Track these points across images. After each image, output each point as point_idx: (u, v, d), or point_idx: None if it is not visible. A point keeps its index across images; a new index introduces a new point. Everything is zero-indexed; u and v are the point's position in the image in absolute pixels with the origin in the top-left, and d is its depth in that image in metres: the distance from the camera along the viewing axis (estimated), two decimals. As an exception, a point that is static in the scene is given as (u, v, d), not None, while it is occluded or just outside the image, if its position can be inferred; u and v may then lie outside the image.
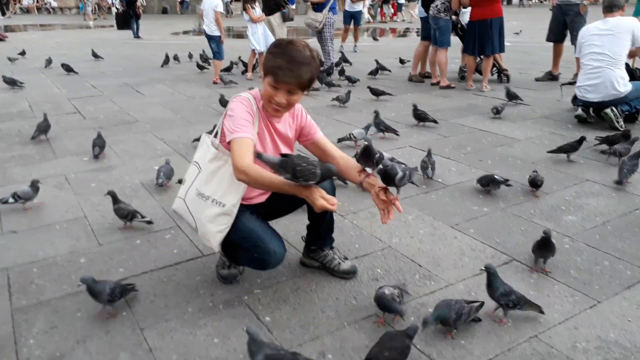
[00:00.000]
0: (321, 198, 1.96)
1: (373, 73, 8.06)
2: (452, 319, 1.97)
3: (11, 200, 3.20)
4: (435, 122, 5.19)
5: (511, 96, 5.98)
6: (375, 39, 15.06)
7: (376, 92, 6.38)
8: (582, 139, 3.98)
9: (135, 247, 2.80)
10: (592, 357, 1.92)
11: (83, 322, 2.16)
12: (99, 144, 4.31)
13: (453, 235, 2.87)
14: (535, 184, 3.35)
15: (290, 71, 1.99)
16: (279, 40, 2.12)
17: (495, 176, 3.41)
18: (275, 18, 8.26)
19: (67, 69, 8.82)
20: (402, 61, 9.22)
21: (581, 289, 2.34)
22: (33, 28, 22.22)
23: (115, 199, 3.03)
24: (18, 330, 2.12)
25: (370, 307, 2.23)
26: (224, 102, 5.46)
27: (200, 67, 9.06)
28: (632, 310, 2.19)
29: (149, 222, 3.01)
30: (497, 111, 5.41)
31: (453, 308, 1.98)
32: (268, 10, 8.17)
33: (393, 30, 19.50)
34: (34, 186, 3.28)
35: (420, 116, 5.15)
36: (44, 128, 4.83)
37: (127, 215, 2.98)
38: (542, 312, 2.12)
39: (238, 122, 2.06)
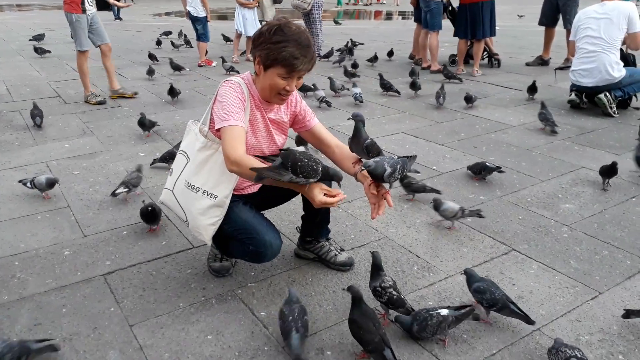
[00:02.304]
0: (322, 193, 1.87)
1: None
2: (414, 330, 1.88)
3: (29, 185, 3.11)
4: (397, 92, 5.67)
5: (385, 87, 5.74)
6: (336, 22, 14.55)
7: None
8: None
9: (122, 238, 2.68)
10: (596, 351, 1.88)
11: (69, 319, 2.06)
12: (38, 114, 4.50)
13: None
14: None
15: (305, 57, 1.92)
16: (272, 27, 1.93)
17: (487, 163, 3.36)
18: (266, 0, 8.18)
19: (42, 51, 8.44)
20: (353, 43, 9.10)
21: (582, 279, 2.31)
22: (9, 8, 21.46)
23: (139, 169, 3.20)
24: (0, 328, 2.00)
25: (368, 300, 2.14)
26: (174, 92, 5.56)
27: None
28: (633, 301, 2.16)
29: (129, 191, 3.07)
30: (468, 100, 5.16)
31: (417, 319, 1.88)
32: None
33: (378, 14, 19.23)
34: (51, 180, 3.13)
35: (386, 86, 5.69)
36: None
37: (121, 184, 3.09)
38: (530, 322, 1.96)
39: (229, 109, 1.94)
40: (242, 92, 2.01)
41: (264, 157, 1.90)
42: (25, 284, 2.29)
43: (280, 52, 1.89)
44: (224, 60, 7.19)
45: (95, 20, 5.31)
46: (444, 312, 1.88)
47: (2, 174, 3.53)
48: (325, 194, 1.88)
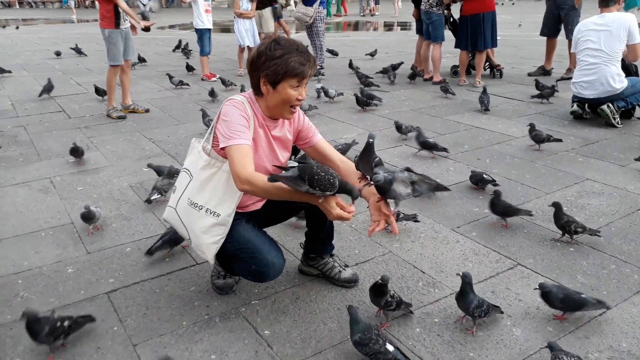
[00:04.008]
0: (337, 207, 1.86)
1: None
2: (354, 338, 1.85)
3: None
4: (380, 100, 5.74)
5: (360, 103, 5.66)
6: None
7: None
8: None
9: (126, 255, 2.68)
10: (605, 369, 1.86)
11: (72, 338, 2.04)
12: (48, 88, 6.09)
13: (455, 239, 2.79)
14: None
15: (309, 62, 1.97)
16: (268, 44, 1.97)
17: (484, 175, 3.43)
18: (266, 11, 8.29)
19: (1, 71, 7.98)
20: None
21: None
22: (15, 22, 21.70)
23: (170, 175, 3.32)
24: (2, 349, 2.00)
25: (373, 318, 2.15)
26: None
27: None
28: (642, 317, 2.13)
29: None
30: (399, 129, 4.54)
31: (365, 334, 1.83)
32: (261, 4, 8.14)
33: (373, 25, 19.27)
34: (83, 215, 2.89)
35: (361, 102, 5.67)
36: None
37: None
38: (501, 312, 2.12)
39: (234, 128, 1.94)
40: (245, 110, 2.01)
41: (281, 168, 1.91)
42: (28, 303, 2.28)
43: (288, 63, 1.92)
44: (170, 77, 7.12)
45: (128, 35, 5.36)
46: (390, 347, 1.81)
47: (7, 190, 3.54)
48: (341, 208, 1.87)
